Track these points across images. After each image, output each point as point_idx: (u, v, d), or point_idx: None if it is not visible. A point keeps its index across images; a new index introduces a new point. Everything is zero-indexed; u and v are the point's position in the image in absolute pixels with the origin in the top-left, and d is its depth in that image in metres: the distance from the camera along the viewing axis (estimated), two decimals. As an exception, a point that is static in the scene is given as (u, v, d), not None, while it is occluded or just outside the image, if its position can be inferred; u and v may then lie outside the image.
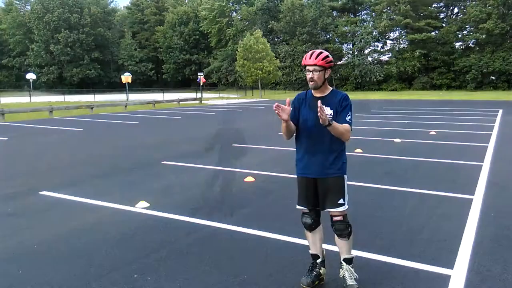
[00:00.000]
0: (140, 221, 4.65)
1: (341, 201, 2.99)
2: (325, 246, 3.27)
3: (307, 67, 2.97)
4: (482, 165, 7.40)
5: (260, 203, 5.26)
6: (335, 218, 3.01)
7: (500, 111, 19.94)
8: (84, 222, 4.65)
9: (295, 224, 4.42)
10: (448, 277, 3.23)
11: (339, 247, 3.09)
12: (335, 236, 3.07)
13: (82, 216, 4.84)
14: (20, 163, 8.41)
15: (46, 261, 3.63)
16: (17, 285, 3.21)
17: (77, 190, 6.00)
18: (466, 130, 12.66)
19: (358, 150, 9.00)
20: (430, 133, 11.93)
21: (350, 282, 3.01)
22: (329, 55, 2.99)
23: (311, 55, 2.97)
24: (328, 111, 2.95)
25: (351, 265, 3.08)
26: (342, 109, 2.98)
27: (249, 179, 6.46)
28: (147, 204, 5.19)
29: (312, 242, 3.18)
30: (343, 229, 3.00)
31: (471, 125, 14.07)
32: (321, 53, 2.97)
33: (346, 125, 2.91)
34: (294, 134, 3.11)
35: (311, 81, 2.97)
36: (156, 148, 10.04)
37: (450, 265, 3.43)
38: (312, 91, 3.07)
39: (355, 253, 3.68)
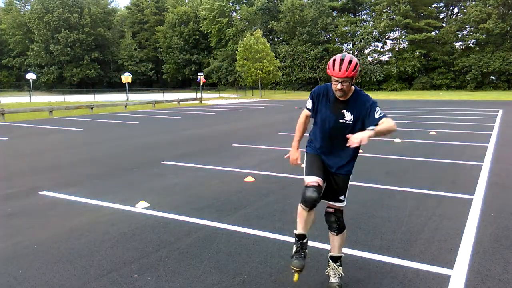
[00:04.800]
0: (140, 221, 4.65)
1: (342, 197, 3.02)
2: (321, 245, 3.26)
3: (335, 78, 2.76)
4: (482, 165, 7.40)
5: (260, 203, 5.25)
6: (328, 210, 3.05)
7: (500, 111, 19.95)
8: (84, 222, 4.65)
9: (295, 224, 4.43)
10: (448, 277, 3.23)
11: (330, 241, 3.11)
12: (329, 231, 3.11)
13: (82, 216, 4.84)
14: (20, 163, 8.41)
15: (46, 261, 3.63)
16: (17, 285, 3.21)
17: (77, 190, 6.00)
18: (466, 130, 12.66)
19: (358, 150, 9.00)
20: (430, 133, 11.93)
21: (332, 279, 3.04)
22: (357, 61, 2.78)
23: (340, 65, 2.73)
24: (348, 116, 2.86)
25: (337, 264, 3.07)
26: (370, 111, 2.83)
27: (249, 179, 6.45)
28: (147, 204, 5.19)
29: (305, 221, 3.02)
30: (332, 221, 3.03)
31: (471, 125, 14.07)
32: (350, 61, 2.72)
33: (385, 121, 2.76)
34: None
35: (341, 91, 2.80)
36: (156, 148, 10.04)
37: (450, 265, 3.43)
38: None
39: (356, 253, 3.68)
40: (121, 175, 7.08)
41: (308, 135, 3.22)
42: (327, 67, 2.83)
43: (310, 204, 2.91)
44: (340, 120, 2.89)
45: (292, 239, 4.00)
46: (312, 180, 2.92)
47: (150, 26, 77.14)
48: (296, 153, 3.18)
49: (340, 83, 2.77)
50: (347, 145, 2.69)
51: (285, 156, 3.34)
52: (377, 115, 2.80)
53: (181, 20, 71.12)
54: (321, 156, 3.05)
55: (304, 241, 3.06)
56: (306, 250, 3.08)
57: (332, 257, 3.08)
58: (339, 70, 2.73)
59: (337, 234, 3.03)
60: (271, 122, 17.00)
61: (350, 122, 2.87)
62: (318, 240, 3.83)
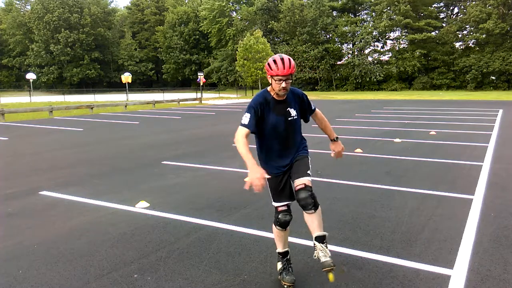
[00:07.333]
0: (140, 221, 4.65)
1: (308, 171, 3.03)
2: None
3: (279, 77, 2.82)
4: (482, 165, 7.41)
5: (260, 203, 5.25)
6: (298, 187, 2.92)
7: (500, 111, 19.95)
8: (84, 222, 4.65)
9: (294, 224, 4.42)
10: (448, 277, 3.23)
11: (309, 224, 2.92)
12: (304, 214, 2.93)
13: (82, 216, 4.84)
14: (20, 163, 8.41)
15: (46, 261, 3.63)
16: (17, 285, 3.21)
17: (77, 190, 6.00)
18: (466, 130, 12.66)
19: (358, 150, 9.00)
20: (430, 133, 11.93)
21: (324, 259, 2.81)
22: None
23: (283, 64, 2.79)
24: (293, 112, 3.04)
25: (324, 244, 2.87)
26: (307, 105, 3.17)
27: (249, 179, 6.44)
28: (147, 204, 5.19)
29: (284, 240, 3.20)
30: (307, 196, 2.87)
31: (471, 125, 14.07)
32: (289, 59, 2.84)
33: (321, 114, 3.28)
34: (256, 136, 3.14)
35: (284, 90, 2.88)
36: (156, 148, 10.04)
37: (450, 265, 3.43)
38: (274, 96, 2.98)
39: (356, 253, 3.68)
40: (121, 175, 7.08)
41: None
42: (267, 69, 2.87)
43: (286, 225, 3.15)
44: (289, 119, 3.03)
45: (293, 240, 4.02)
46: (282, 205, 3.11)
47: (150, 26, 77.17)
48: (259, 169, 2.72)
49: (284, 81, 2.85)
50: (335, 156, 3.23)
51: (246, 186, 2.68)
52: (313, 108, 3.22)
53: (181, 20, 71.14)
54: (278, 161, 3.08)
55: (288, 257, 3.23)
56: (292, 265, 3.24)
57: (317, 238, 2.88)
58: (283, 68, 2.81)
59: (315, 211, 2.88)
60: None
61: (296, 117, 3.07)
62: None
